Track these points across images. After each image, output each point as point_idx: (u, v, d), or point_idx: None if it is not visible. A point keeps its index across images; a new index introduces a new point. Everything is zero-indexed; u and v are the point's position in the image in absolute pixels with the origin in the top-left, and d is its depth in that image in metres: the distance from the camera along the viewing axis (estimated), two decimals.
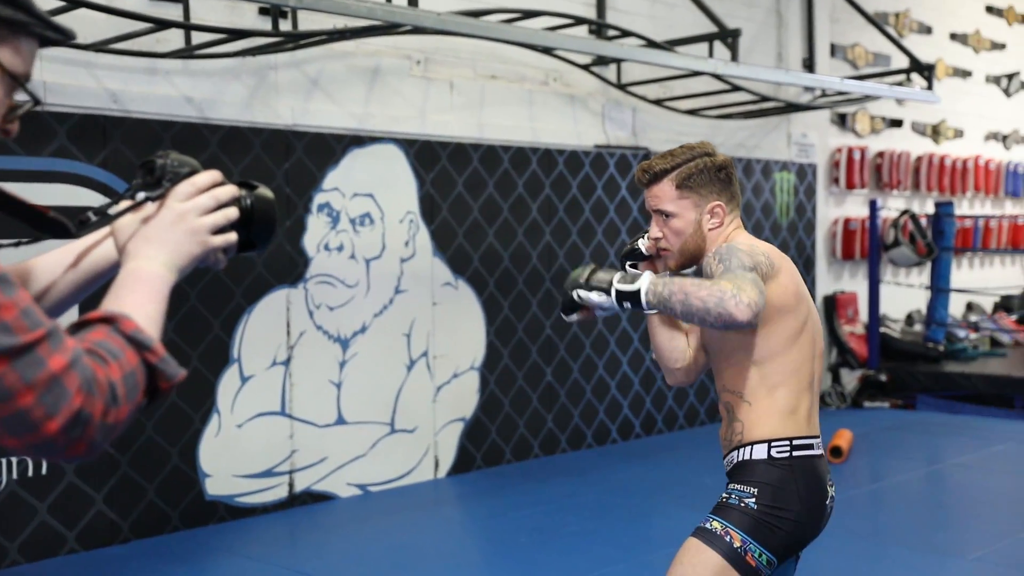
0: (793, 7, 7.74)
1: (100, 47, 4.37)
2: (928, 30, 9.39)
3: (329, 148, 5.25)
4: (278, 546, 4.66)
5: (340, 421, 5.30)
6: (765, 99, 6.64)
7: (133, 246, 1.15)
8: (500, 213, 6.00)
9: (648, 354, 6.86)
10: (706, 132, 7.12)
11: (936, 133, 9.52)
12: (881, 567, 4.20)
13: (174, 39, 4.65)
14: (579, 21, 5.58)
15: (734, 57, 5.86)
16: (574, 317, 2.18)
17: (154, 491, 4.65)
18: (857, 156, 8.39)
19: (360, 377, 5.35)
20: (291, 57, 5.10)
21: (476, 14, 4.92)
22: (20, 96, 1.09)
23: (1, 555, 4.23)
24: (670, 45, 5.77)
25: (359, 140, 5.35)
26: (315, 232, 5.19)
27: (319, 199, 5.21)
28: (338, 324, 5.27)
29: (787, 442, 2.16)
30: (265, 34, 4.50)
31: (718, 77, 6.07)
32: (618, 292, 2.08)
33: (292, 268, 5.09)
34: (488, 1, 5.48)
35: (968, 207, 9.94)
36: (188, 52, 4.62)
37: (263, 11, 4.87)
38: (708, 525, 2.15)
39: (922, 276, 8.92)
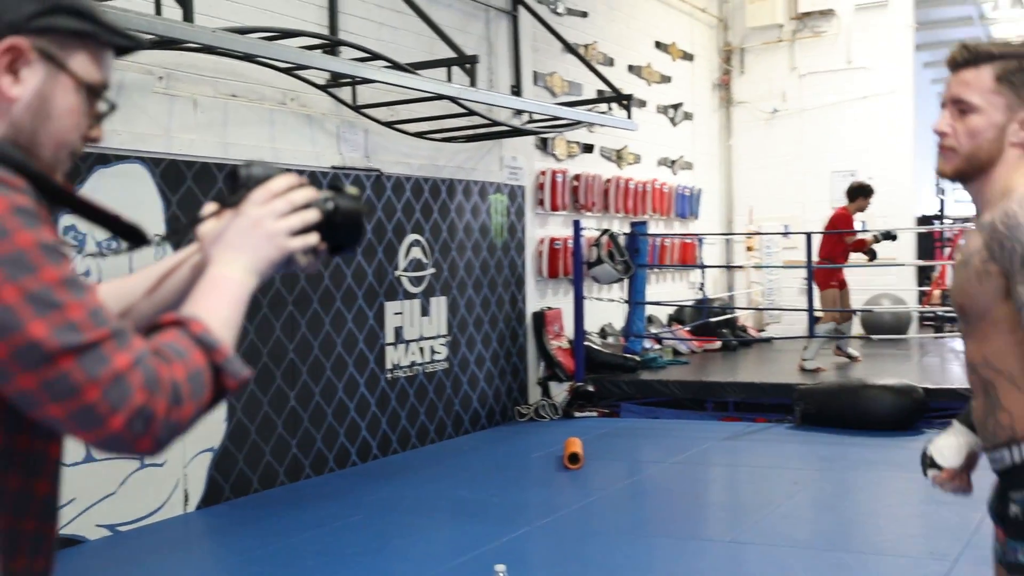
0: (501, 36, 8.94)
1: None
2: (611, 62, 11.08)
3: (73, 167, 5.42)
4: None
5: (88, 458, 5.48)
6: (496, 123, 7.71)
7: (215, 252, 1.29)
8: None
9: (383, 374, 7.67)
10: (430, 154, 8.06)
11: (620, 158, 11.27)
12: (645, 553, 5.31)
13: None
14: (321, 42, 6.26)
15: (473, 82, 6.86)
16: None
17: None
18: (560, 179, 9.81)
19: None
20: None
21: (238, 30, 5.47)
22: (101, 105, 1.27)
23: None
24: (412, 68, 6.65)
25: (104, 159, 5.64)
26: None
27: (64, 221, 5.43)
28: None
29: None
30: None
31: (455, 101, 7.05)
32: None
33: None
34: (224, 17, 6.03)
35: (651, 227, 11.85)
36: None
37: None
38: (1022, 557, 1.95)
39: (612, 292, 10.51)
